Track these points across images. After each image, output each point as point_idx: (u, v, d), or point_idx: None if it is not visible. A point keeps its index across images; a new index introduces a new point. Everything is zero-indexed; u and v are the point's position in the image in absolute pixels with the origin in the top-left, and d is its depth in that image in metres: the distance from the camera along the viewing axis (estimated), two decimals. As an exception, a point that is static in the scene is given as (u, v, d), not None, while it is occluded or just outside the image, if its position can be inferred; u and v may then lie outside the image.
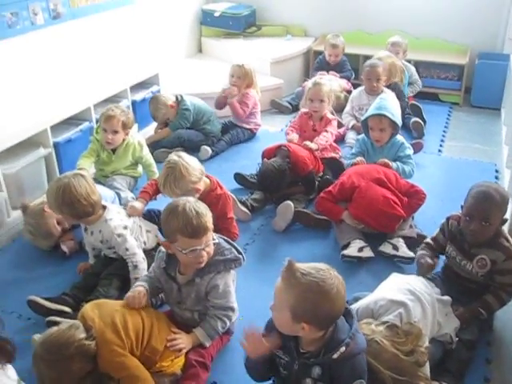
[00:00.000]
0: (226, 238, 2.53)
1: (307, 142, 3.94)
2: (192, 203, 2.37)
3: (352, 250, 3.15)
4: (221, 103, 4.87)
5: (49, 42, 4.34)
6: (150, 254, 3.03)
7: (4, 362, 1.99)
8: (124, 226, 2.93)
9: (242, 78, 4.72)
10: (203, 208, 2.38)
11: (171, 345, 2.37)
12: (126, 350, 2.23)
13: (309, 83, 4.27)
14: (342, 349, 1.90)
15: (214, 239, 2.42)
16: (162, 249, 2.54)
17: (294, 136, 4.10)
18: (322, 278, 1.88)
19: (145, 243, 3.09)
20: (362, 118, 3.78)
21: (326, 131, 4.12)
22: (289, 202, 3.50)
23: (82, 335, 2.17)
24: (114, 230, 2.87)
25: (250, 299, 2.78)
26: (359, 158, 3.67)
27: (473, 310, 2.61)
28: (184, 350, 2.39)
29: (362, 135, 3.84)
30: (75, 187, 2.78)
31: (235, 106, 4.72)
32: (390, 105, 3.69)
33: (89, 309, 2.31)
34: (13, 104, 4.03)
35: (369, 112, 3.71)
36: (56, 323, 2.52)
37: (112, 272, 2.94)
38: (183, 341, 2.41)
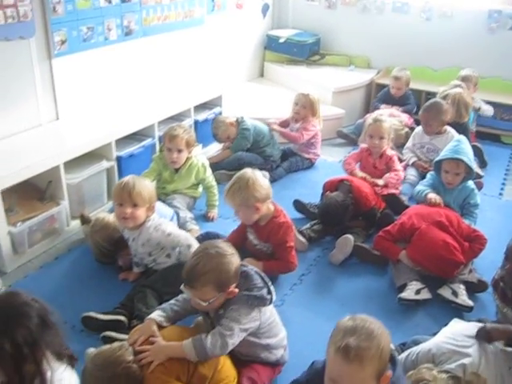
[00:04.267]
0: (263, 275, 2.45)
1: (374, 180, 3.90)
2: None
3: (409, 293, 3.07)
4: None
5: (119, 58, 4.46)
6: None
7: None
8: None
9: (307, 107, 4.72)
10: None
11: (137, 359, 2.21)
12: (171, 375, 2.21)
13: (369, 119, 4.20)
14: None
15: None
16: None
17: (359, 172, 4.01)
18: (370, 330, 1.85)
19: (179, 252, 3.09)
20: (437, 159, 3.71)
21: (396, 170, 4.06)
22: (349, 235, 3.46)
23: (131, 357, 2.19)
24: (150, 228, 3.02)
25: (302, 331, 2.74)
26: (431, 196, 3.59)
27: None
28: (155, 363, 2.19)
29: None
30: None
31: (285, 133, 4.76)
32: (467, 149, 3.61)
33: None
34: (81, 115, 4.13)
35: (445, 154, 3.64)
36: (110, 339, 2.57)
37: (145, 284, 2.97)
38: (151, 352, 2.23)
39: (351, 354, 1.77)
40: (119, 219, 3.03)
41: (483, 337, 2.30)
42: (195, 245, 2.99)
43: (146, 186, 3.03)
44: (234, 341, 2.28)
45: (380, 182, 3.93)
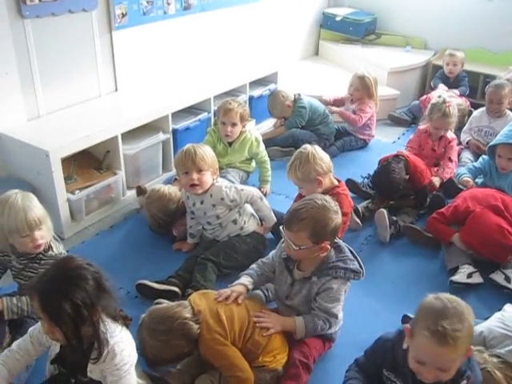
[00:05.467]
0: (352, 249, 2.51)
1: (433, 178, 3.82)
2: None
3: (461, 277, 3.04)
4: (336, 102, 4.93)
5: (177, 32, 4.50)
6: (245, 240, 3.15)
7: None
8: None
9: (361, 90, 4.67)
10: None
11: (257, 321, 2.36)
12: (228, 340, 2.27)
13: (435, 110, 3.97)
14: (464, 382, 1.85)
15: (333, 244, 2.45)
16: None
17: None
18: (460, 311, 1.83)
19: (245, 222, 3.19)
20: (491, 143, 3.67)
21: (451, 160, 3.98)
22: (382, 209, 3.47)
23: (188, 315, 2.25)
24: (222, 187, 3.10)
25: (351, 309, 2.73)
26: (466, 180, 3.64)
27: None
28: (271, 331, 2.35)
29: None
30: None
31: (345, 114, 4.73)
32: (523, 134, 3.56)
33: (197, 297, 2.39)
34: (139, 88, 4.21)
35: (499, 139, 3.60)
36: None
37: (207, 257, 3.02)
38: (271, 320, 2.38)
39: (448, 338, 1.75)
40: (187, 187, 3.09)
41: None
42: (265, 198, 3.20)
43: (206, 150, 3.10)
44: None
45: (436, 181, 3.83)
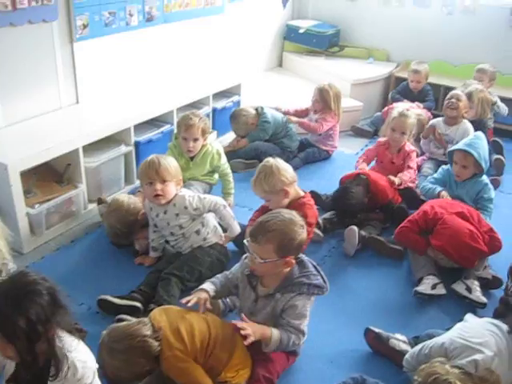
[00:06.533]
0: (315, 264, 2.51)
1: (391, 177, 3.87)
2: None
3: (425, 288, 3.07)
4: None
5: (140, 44, 4.47)
6: (208, 252, 3.13)
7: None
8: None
9: (320, 101, 4.73)
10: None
11: (240, 327, 2.30)
12: (189, 356, 2.24)
13: (394, 112, 4.13)
14: None
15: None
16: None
17: (364, 165, 4.03)
18: None
19: (208, 233, 3.18)
20: (449, 149, 3.77)
21: (410, 167, 4.02)
22: (353, 226, 3.47)
23: (148, 332, 2.21)
24: (185, 196, 3.09)
25: (315, 322, 2.71)
26: (444, 193, 3.66)
27: None
28: (250, 339, 2.27)
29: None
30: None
31: (304, 123, 4.76)
32: (481, 145, 3.61)
33: (157, 313, 2.35)
34: (100, 100, 4.15)
35: (457, 145, 3.69)
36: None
37: (171, 272, 2.99)
38: (250, 327, 2.32)
39: None
40: (151, 198, 3.07)
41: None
42: (228, 207, 3.19)
43: (170, 161, 3.11)
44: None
45: (396, 180, 3.87)
